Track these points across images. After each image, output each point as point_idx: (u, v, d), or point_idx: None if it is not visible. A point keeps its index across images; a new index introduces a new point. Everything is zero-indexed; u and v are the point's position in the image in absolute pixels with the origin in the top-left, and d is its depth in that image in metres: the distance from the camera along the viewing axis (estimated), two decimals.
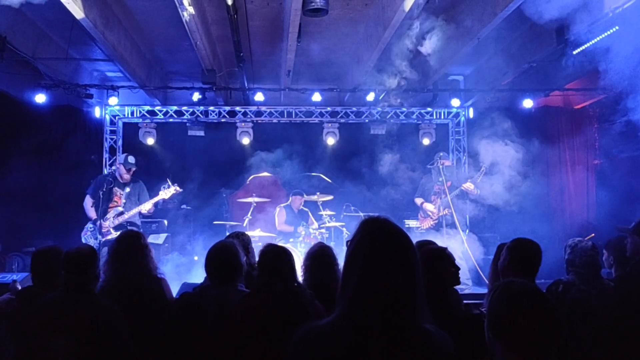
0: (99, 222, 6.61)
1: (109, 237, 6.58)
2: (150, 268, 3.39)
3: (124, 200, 6.78)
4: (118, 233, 6.61)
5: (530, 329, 1.56)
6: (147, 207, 6.77)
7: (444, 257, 2.77)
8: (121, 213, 6.69)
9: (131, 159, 6.93)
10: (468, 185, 7.16)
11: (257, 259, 2.97)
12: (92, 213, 6.73)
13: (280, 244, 8.08)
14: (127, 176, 6.84)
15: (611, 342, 3.08)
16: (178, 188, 6.93)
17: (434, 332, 1.53)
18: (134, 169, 6.88)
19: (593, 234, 7.53)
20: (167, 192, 6.87)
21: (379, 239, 1.58)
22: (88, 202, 6.80)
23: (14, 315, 3.08)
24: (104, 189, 6.56)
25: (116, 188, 6.76)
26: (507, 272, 2.92)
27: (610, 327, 3.11)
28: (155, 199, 6.85)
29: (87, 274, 2.80)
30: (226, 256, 2.95)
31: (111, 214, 6.64)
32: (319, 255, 3.40)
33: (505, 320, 1.60)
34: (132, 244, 3.37)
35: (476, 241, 7.52)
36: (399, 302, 1.50)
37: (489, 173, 7.32)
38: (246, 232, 4.19)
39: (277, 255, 2.81)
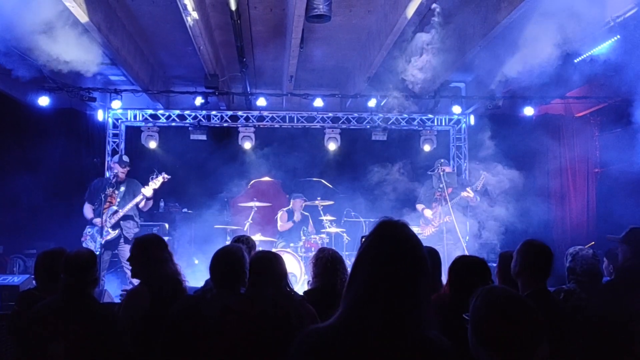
0: (94, 220, 6.70)
1: (109, 237, 6.65)
2: (178, 272, 3.43)
3: (118, 200, 6.91)
4: (116, 232, 6.73)
5: (511, 333, 1.57)
6: (146, 192, 6.83)
7: (480, 269, 2.77)
8: (116, 212, 6.77)
9: (126, 158, 7.25)
10: (467, 193, 7.16)
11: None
12: (91, 215, 6.83)
13: (280, 247, 8.14)
14: (123, 175, 7.02)
15: (612, 350, 3.08)
16: (166, 175, 7.04)
17: (435, 339, 1.53)
18: (129, 167, 7.12)
19: (593, 242, 7.53)
20: (156, 181, 6.97)
21: (389, 243, 1.56)
22: (87, 207, 6.92)
23: (13, 319, 3.09)
24: (106, 192, 6.66)
25: (110, 189, 6.85)
26: (520, 276, 2.89)
27: (611, 334, 3.11)
28: (147, 189, 6.93)
29: (87, 278, 2.81)
30: (232, 261, 2.96)
31: (106, 214, 6.71)
32: (330, 260, 3.45)
33: (487, 326, 1.61)
34: (162, 247, 3.38)
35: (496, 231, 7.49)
36: (402, 307, 1.49)
37: (489, 181, 7.33)
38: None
39: (268, 261, 2.84)
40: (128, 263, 3.50)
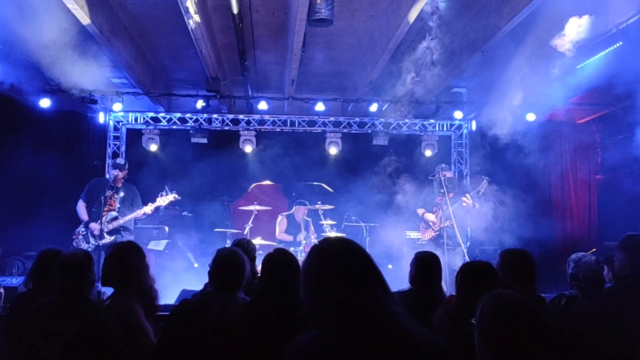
0: (90, 224, 6.63)
1: (104, 241, 6.58)
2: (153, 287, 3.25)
3: (118, 205, 6.80)
4: (112, 238, 6.67)
5: (518, 339, 1.56)
6: (146, 210, 6.77)
7: (486, 274, 2.76)
8: (115, 218, 6.70)
9: (120, 160, 7.14)
10: (466, 199, 7.10)
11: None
12: (85, 216, 6.75)
13: None
14: (121, 179, 6.91)
15: (613, 357, 3.05)
16: (176, 196, 6.98)
17: (423, 332, 1.54)
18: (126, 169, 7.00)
19: (595, 249, 7.49)
20: (165, 199, 6.92)
21: (327, 258, 1.64)
22: (81, 205, 6.84)
23: (8, 320, 3.07)
24: (105, 194, 6.59)
25: (110, 192, 6.78)
26: (509, 287, 2.91)
27: (610, 344, 3.08)
28: (154, 205, 6.87)
29: (83, 279, 2.79)
30: (233, 264, 2.92)
31: (105, 218, 6.64)
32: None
33: (493, 331, 1.60)
34: (141, 257, 3.20)
35: None
36: (378, 308, 1.51)
37: (491, 188, 7.30)
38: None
39: (277, 263, 2.77)
40: None
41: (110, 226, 6.67)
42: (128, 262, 3.10)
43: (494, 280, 2.70)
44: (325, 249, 1.67)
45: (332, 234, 8.07)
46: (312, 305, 1.63)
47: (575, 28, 5.65)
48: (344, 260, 1.60)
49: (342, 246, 1.65)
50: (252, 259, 4.06)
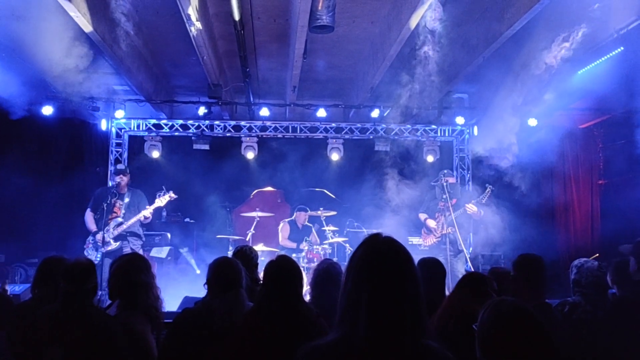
0: (97, 235, 6.66)
1: (109, 248, 6.63)
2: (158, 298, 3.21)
3: (123, 211, 6.86)
4: (117, 244, 6.70)
5: (518, 347, 1.55)
6: (146, 213, 6.79)
7: (484, 284, 2.77)
8: (120, 224, 6.75)
9: (121, 166, 7.29)
10: (471, 207, 7.08)
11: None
12: (92, 226, 6.82)
13: None
14: (125, 184, 6.98)
15: None
16: (173, 195, 7.04)
17: (437, 349, 1.50)
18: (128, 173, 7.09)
19: (598, 254, 7.47)
20: (163, 199, 6.97)
21: (379, 257, 1.53)
22: (89, 215, 6.92)
23: (11, 326, 3.07)
24: (108, 202, 6.62)
25: (115, 199, 6.83)
26: (517, 289, 2.90)
27: (622, 348, 3.06)
28: (153, 207, 6.90)
29: (86, 286, 2.79)
30: (227, 266, 2.94)
31: (111, 225, 6.70)
32: (327, 271, 3.41)
33: (494, 338, 1.59)
34: (147, 269, 3.16)
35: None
36: (402, 321, 1.46)
37: (493, 195, 7.28)
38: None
39: (280, 269, 2.77)
40: None
41: (116, 232, 6.70)
42: (134, 276, 3.07)
43: (484, 292, 2.69)
44: (366, 244, 1.58)
45: (335, 240, 8.06)
46: (339, 303, 1.56)
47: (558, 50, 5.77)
48: (376, 262, 1.52)
49: (382, 247, 1.56)
50: (254, 265, 4.05)
